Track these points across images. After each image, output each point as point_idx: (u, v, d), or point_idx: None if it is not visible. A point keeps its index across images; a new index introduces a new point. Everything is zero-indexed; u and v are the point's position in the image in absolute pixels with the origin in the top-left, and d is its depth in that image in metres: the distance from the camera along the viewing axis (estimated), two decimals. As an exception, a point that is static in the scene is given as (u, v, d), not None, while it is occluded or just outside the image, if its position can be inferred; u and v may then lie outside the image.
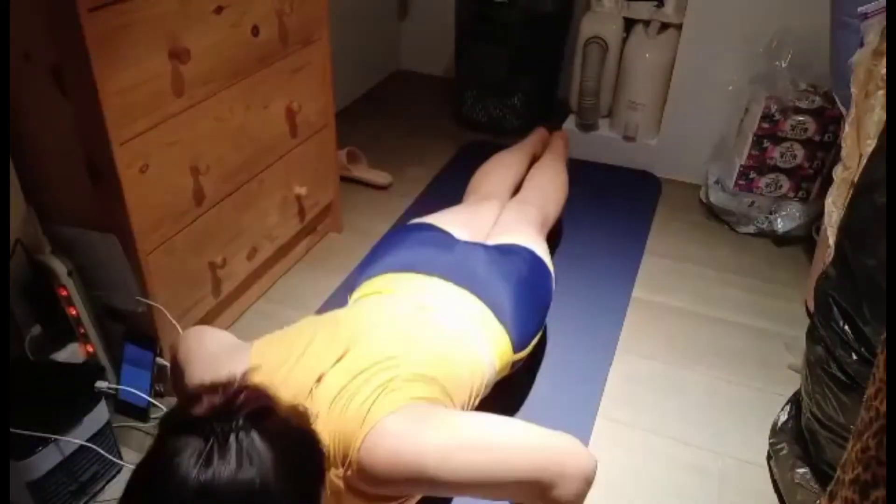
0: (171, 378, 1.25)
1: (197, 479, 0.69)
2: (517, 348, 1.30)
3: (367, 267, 1.39)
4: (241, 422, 0.72)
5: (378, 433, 0.93)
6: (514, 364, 1.32)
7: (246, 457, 0.71)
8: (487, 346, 1.24)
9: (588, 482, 0.98)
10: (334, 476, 0.96)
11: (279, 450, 0.74)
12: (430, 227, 1.50)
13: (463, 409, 1.13)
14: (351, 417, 0.95)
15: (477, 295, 1.28)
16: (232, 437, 0.71)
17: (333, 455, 0.95)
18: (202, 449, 0.70)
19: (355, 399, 0.97)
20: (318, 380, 1.01)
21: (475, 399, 1.18)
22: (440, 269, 1.32)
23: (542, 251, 1.51)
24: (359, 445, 0.93)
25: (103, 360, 1.44)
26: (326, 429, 0.95)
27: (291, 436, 0.78)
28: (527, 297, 1.36)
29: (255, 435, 0.73)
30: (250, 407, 0.74)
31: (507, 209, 1.68)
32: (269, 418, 0.75)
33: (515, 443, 0.97)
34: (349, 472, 0.94)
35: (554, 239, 1.98)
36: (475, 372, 1.18)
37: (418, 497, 1.09)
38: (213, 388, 0.76)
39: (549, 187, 1.85)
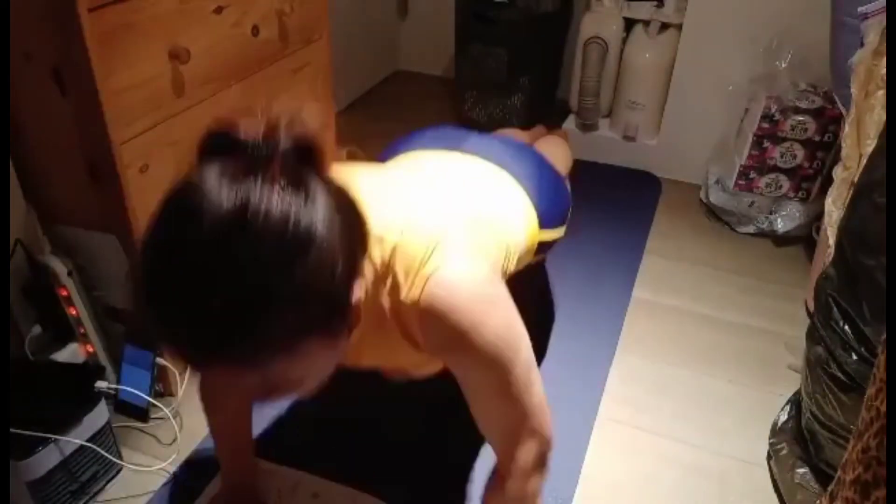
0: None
1: (233, 198, 0.59)
2: (543, 223, 1.25)
3: (396, 147, 1.33)
4: (282, 150, 0.64)
5: (454, 273, 0.84)
6: (539, 247, 1.26)
7: (295, 186, 0.62)
8: (516, 211, 1.19)
9: (544, 459, 0.97)
10: (383, 298, 0.87)
11: (323, 187, 0.65)
12: (440, 126, 1.45)
13: (503, 274, 1.07)
14: (417, 247, 0.86)
15: (501, 166, 1.24)
16: (273, 163, 0.62)
17: (388, 276, 0.86)
18: (239, 169, 0.61)
19: (418, 235, 0.87)
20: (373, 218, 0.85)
21: (507, 265, 1.10)
22: (461, 145, 1.27)
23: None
24: (426, 273, 0.83)
25: (103, 360, 1.44)
26: (383, 254, 0.86)
27: (341, 187, 0.70)
28: (546, 180, 1.33)
29: (303, 169, 0.64)
30: (298, 139, 0.65)
31: None
32: (315, 156, 0.67)
33: (534, 377, 0.94)
34: (410, 296, 0.84)
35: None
36: (508, 234, 1.11)
37: (427, 371, 1.05)
38: (251, 119, 0.66)
39: (552, 147, 1.78)
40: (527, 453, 0.95)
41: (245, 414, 1.18)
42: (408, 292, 0.84)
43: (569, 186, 1.46)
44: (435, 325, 0.84)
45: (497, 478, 0.98)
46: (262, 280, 0.61)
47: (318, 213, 0.63)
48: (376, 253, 0.85)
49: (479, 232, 0.99)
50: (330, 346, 0.72)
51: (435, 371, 1.04)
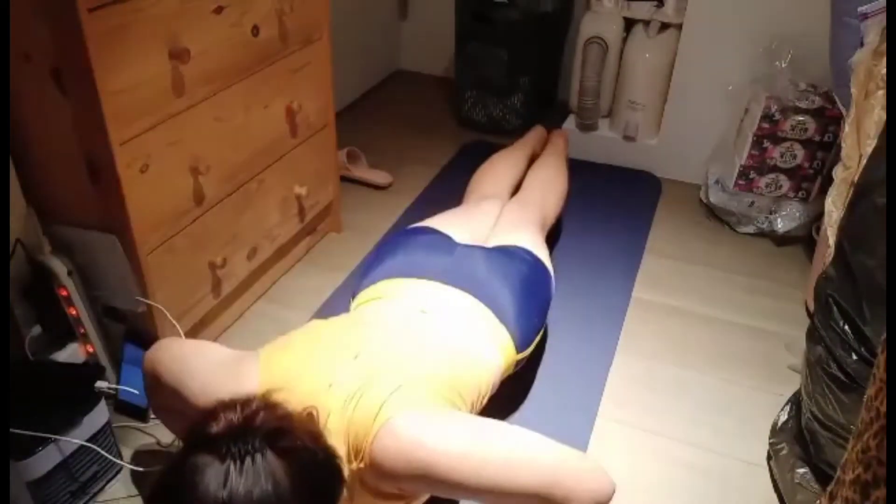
0: (153, 396, 1.20)
1: (215, 498, 0.71)
2: (520, 347, 1.31)
3: (367, 272, 1.40)
4: (258, 442, 0.74)
5: (392, 428, 0.94)
6: (517, 363, 1.33)
7: (264, 476, 0.73)
8: (491, 346, 1.25)
9: None
10: (348, 470, 0.96)
11: (296, 469, 0.76)
12: (430, 231, 1.50)
13: (471, 410, 1.13)
14: (365, 414, 0.96)
15: (478, 297, 1.29)
16: (248, 458, 0.73)
17: (347, 450, 0.96)
18: (220, 468, 0.72)
19: (369, 397, 0.98)
20: (330, 382, 1.01)
21: (483, 399, 1.19)
22: (440, 274, 1.32)
23: (541, 251, 1.52)
24: (371, 439, 0.94)
25: (103, 360, 1.44)
26: (341, 426, 0.96)
27: (308, 455, 0.80)
28: (527, 296, 1.36)
29: (271, 455, 0.75)
30: (268, 426, 0.76)
31: (507, 209, 1.68)
32: (286, 438, 0.77)
33: (528, 455, 0.96)
34: (362, 466, 0.95)
35: (554, 238, 1.98)
36: (481, 373, 1.19)
37: (426, 497, 1.09)
38: (230, 405, 0.78)
39: (548, 186, 1.85)
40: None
41: None
42: (359, 463, 0.95)
43: (553, 279, 1.51)
44: (397, 477, 0.94)
45: None
46: None
47: (287, 496, 0.74)
48: (339, 431, 0.95)
49: (444, 381, 1.08)
50: None
51: None
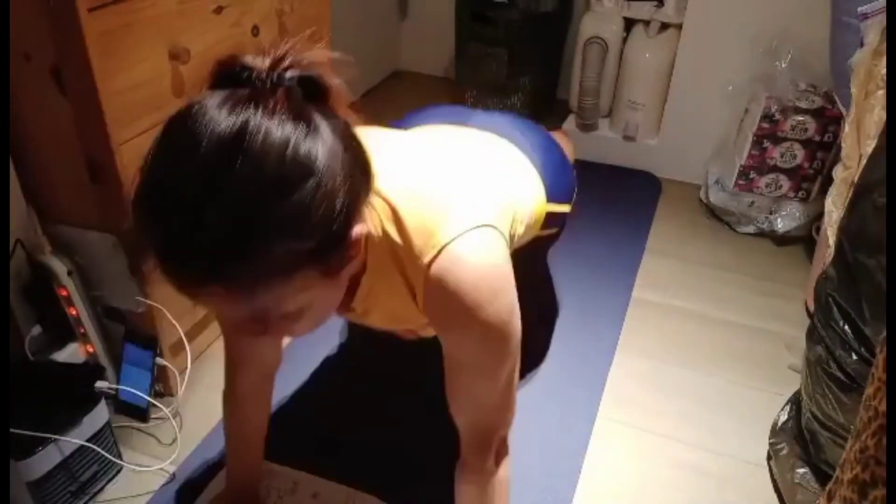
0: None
1: (232, 122, 0.60)
2: (549, 196, 1.24)
3: (407, 120, 1.34)
4: (286, 81, 0.64)
5: (465, 252, 0.83)
6: (545, 219, 1.25)
7: (298, 116, 0.63)
8: (524, 181, 1.19)
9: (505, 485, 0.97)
10: (394, 246, 0.85)
11: (335, 129, 0.66)
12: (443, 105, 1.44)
13: (512, 244, 1.06)
14: (436, 215, 0.84)
15: (509, 139, 1.23)
16: (281, 92, 0.63)
17: (403, 231, 0.84)
18: (242, 96, 0.62)
19: (434, 193, 0.87)
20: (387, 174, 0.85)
21: (514, 235, 1.09)
22: (467, 120, 1.27)
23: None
24: (441, 245, 0.82)
25: (103, 360, 1.44)
26: (401, 203, 0.84)
27: (346, 127, 0.70)
28: (552, 154, 1.32)
29: (300, 97, 0.65)
30: (305, 71, 0.66)
31: None
32: (326, 94, 0.68)
33: (507, 386, 0.93)
34: (425, 259, 0.83)
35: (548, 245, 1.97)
36: (517, 203, 1.10)
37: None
38: (258, 51, 0.66)
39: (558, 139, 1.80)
40: (493, 445, 0.95)
41: (263, 427, 1.18)
42: (419, 254, 0.83)
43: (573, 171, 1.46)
44: (439, 296, 0.84)
45: (465, 465, 0.98)
46: (258, 200, 0.61)
47: (320, 146, 0.64)
48: (385, 205, 0.84)
49: (487, 196, 0.97)
50: (326, 284, 0.72)
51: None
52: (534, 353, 1.42)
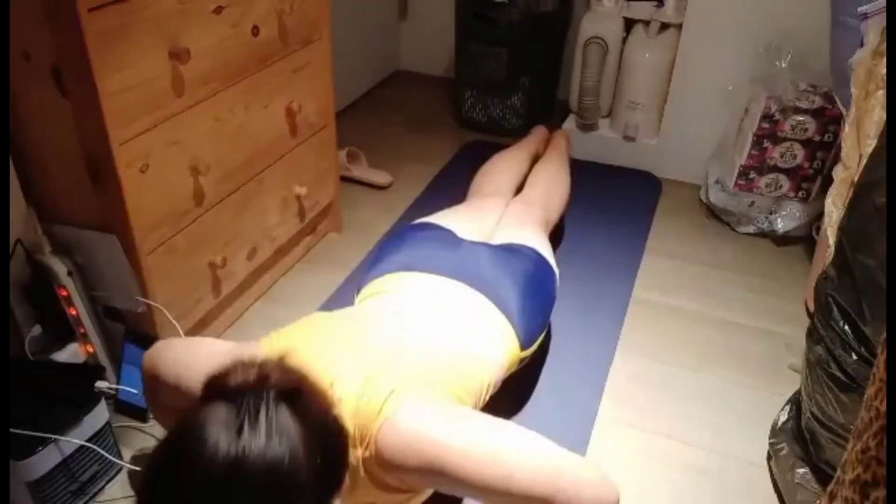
0: (153, 396, 1.18)
1: (227, 450, 0.70)
2: (524, 345, 1.31)
3: (372, 267, 1.40)
4: (271, 397, 0.73)
5: (397, 420, 0.94)
6: (521, 360, 1.33)
7: (276, 431, 0.72)
8: (496, 343, 1.25)
9: None
10: (353, 457, 0.96)
11: (307, 428, 0.74)
12: (434, 227, 1.50)
13: (475, 407, 1.14)
14: (371, 404, 0.96)
15: (483, 293, 1.29)
16: (262, 413, 0.72)
17: (353, 436, 0.95)
18: (233, 420, 0.71)
19: (375, 389, 0.98)
20: (334, 377, 1.00)
21: (486, 396, 1.18)
22: (446, 268, 1.32)
23: (545, 250, 1.52)
24: (377, 428, 0.94)
25: (103, 360, 1.44)
26: (347, 413, 0.96)
27: (320, 419, 0.79)
28: (532, 294, 1.37)
29: (285, 413, 0.73)
30: (283, 385, 0.75)
31: (511, 208, 1.68)
32: (299, 398, 0.76)
33: (527, 460, 0.96)
34: (367, 454, 0.95)
35: (555, 238, 1.98)
36: (485, 369, 1.19)
37: (429, 493, 1.09)
38: (247, 363, 0.77)
39: (552, 186, 1.85)
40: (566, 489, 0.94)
41: None
42: (364, 451, 0.94)
43: (557, 278, 1.52)
44: (398, 468, 0.94)
45: None
46: None
47: (299, 456, 0.73)
48: (344, 420, 0.93)
49: (449, 377, 1.08)
50: None
51: (421, 502, 1.12)
52: (536, 352, 1.42)
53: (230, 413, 0.72)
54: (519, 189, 1.85)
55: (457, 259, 1.36)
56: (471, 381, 1.13)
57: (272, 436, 0.72)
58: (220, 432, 0.71)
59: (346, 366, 1.02)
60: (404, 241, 1.45)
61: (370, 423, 0.95)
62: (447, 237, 1.45)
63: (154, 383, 1.13)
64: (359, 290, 1.36)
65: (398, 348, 1.09)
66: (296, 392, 0.76)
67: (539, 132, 2.18)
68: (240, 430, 0.71)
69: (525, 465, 0.95)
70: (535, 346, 1.37)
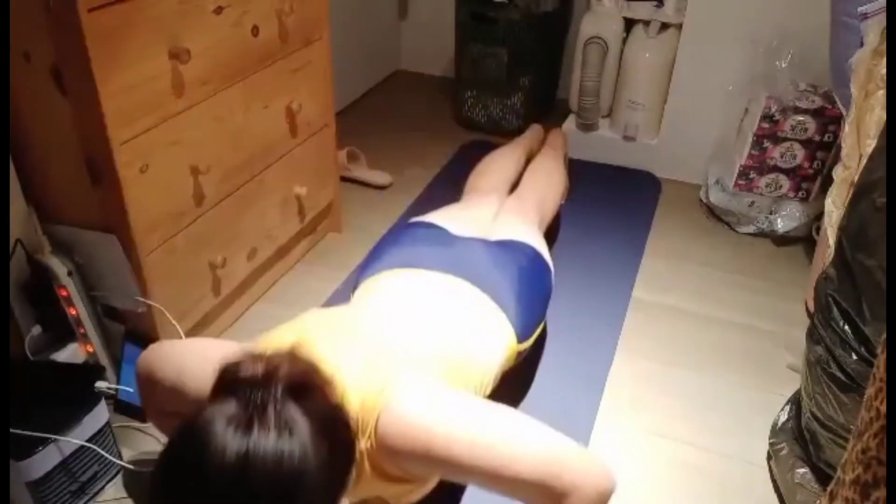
0: (149, 400, 1.16)
1: (235, 447, 0.70)
2: (521, 338, 1.30)
3: (367, 265, 1.40)
4: (279, 392, 0.73)
5: (396, 406, 0.94)
6: (518, 354, 1.32)
7: (285, 427, 0.72)
8: (493, 336, 1.25)
9: (602, 500, 0.96)
10: (358, 449, 0.95)
11: (315, 423, 0.74)
12: (430, 225, 1.50)
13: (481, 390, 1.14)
14: (371, 394, 0.96)
15: (479, 287, 1.28)
16: (270, 408, 0.72)
17: (356, 428, 0.95)
18: (242, 416, 0.71)
19: (377, 376, 0.98)
20: (336, 367, 0.97)
21: (486, 390, 1.18)
22: (442, 264, 1.32)
23: (540, 246, 1.52)
24: (377, 416, 0.93)
25: (103, 360, 1.44)
26: (350, 404, 0.95)
27: (328, 413, 0.79)
28: (528, 287, 1.37)
29: (292, 407, 0.73)
30: (290, 378, 0.75)
31: (506, 206, 1.69)
32: (307, 392, 0.76)
33: (526, 445, 0.96)
34: (369, 444, 0.94)
35: (554, 238, 1.98)
36: (483, 363, 1.18)
37: (434, 483, 1.09)
38: (255, 356, 0.76)
39: (546, 183, 1.86)
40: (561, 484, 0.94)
41: None
42: (366, 441, 0.94)
43: (552, 273, 1.52)
44: (399, 455, 0.94)
45: None
46: None
47: (308, 451, 0.73)
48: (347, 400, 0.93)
49: (448, 369, 1.08)
50: None
51: (424, 493, 1.11)
52: (533, 351, 1.42)
53: (238, 409, 0.72)
54: (514, 187, 1.85)
55: (452, 255, 1.36)
56: (469, 373, 1.13)
57: (281, 431, 0.71)
58: (228, 429, 0.71)
59: (347, 357, 1.01)
60: (399, 239, 1.45)
61: (370, 412, 0.95)
62: (442, 235, 1.46)
63: (150, 387, 1.13)
64: (355, 289, 1.36)
65: (396, 339, 1.09)
66: (304, 386, 0.76)
67: (535, 130, 2.18)
68: (248, 427, 0.71)
69: (526, 450, 0.94)
70: (532, 340, 1.36)
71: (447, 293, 1.27)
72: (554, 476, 0.93)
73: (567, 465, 0.94)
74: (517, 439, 0.95)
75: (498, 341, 1.25)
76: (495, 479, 0.94)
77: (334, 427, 0.79)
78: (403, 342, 1.09)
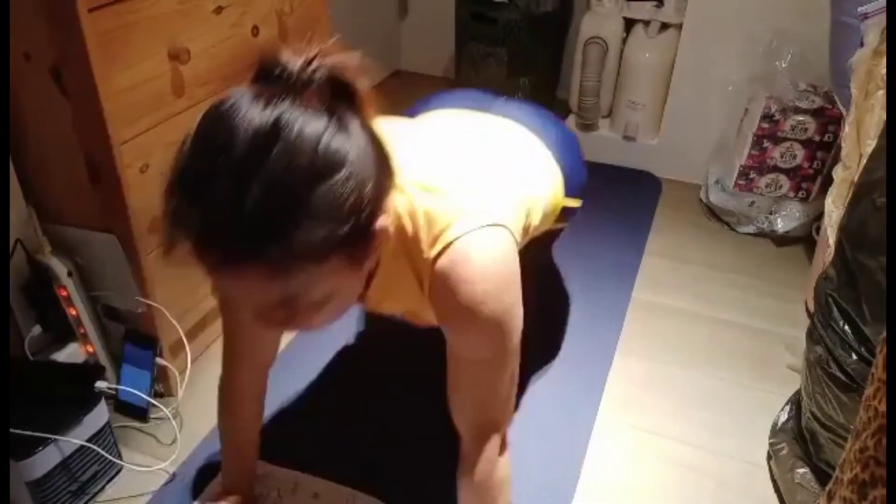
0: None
1: (267, 117, 0.64)
2: (568, 190, 1.24)
3: (413, 110, 1.33)
4: (325, 84, 0.68)
5: (464, 255, 0.85)
6: (560, 214, 1.25)
7: (319, 113, 0.67)
8: (544, 174, 1.19)
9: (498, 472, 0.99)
10: (407, 240, 0.88)
11: (358, 126, 0.70)
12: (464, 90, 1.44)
13: (524, 237, 1.07)
14: (450, 208, 0.87)
15: (527, 127, 1.23)
16: (313, 89, 0.67)
17: (415, 225, 0.87)
18: (272, 92, 0.66)
19: (450, 195, 0.89)
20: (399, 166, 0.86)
21: (529, 232, 1.11)
22: (494, 108, 1.27)
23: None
24: (450, 237, 0.85)
25: (103, 360, 1.44)
26: (404, 205, 0.87)
27: (372, 127, 0.74)
28: (570, 148, 1.31)
29: (339, 103, 0.69)
30: (337, 76, 0.69)
31: None
32: (355, 98, 0.71)
33: (511, 387, 0.97)
34: (424, 249, 0.87)
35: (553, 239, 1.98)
36: (535, 194, 1.12)
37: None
38: (300, 48, 0.70)
39: None
40: (494, 440, 0.96)
41: (257, 421, 1.19)
42: (428, 249, 0.86)
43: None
44: (443, 291, 0.87)
45: (466, 461, 0.98)
46: (294, 185, 0.65)
47: (349, 141, 0.68)
48: (403, 199, 0.86)
49: (504, 191, 0.99)
50: (352, 271, 0.76)
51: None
52: (534, 352, 1.42)
53: (274, 86, 0.67)
54: None
55: (500, 104, 1.30)
56: (519, 199, 1.03)
57: (319, 113, 0.67)
58: (259, 100, 0.66)
59: (410, 165, 0.88)
60: (432, 99, 1.38)
61: (438, 223, 0.85)
62: (485, 93, 1.37)
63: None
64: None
65: (457, 159, 1.01)
66: (348, 85, 0.70)
67: None
68: (281, 100, 0.65)
69: (507, 389, 0.96)
70: (572, 202, 1.27)
71: (497, 128, 1.21)
72: (492, 429, 0.95)
73: (510, 400, 0.98)
74: (516, 362, 0.96)
75: (549, 180, 1.19)
76: (480, 368, 0.93)
77: (380, 143, 0.73)
78: (471, 160, 1.02)
